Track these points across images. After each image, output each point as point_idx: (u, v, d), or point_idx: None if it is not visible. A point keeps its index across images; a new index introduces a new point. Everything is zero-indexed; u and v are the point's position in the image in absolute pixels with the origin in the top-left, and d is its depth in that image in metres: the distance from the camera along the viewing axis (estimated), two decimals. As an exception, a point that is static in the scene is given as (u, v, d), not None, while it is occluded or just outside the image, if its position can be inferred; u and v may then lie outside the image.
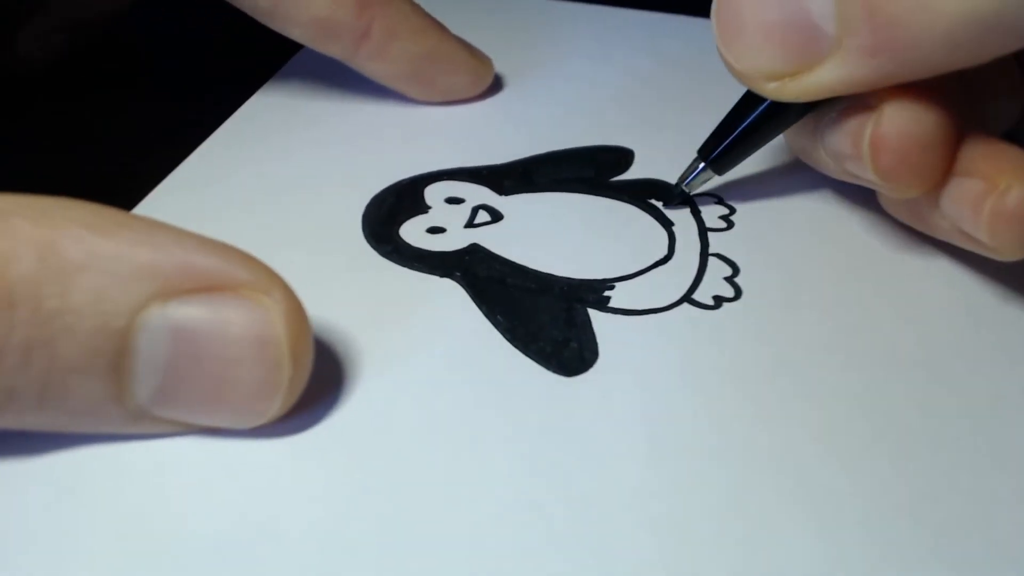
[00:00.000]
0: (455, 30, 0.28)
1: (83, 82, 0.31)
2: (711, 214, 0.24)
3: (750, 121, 0.22)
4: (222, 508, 0.17)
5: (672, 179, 0.25)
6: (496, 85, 0.29)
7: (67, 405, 0.16)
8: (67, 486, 0.17)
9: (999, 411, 0.19)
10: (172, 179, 0.25)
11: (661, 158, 0.26)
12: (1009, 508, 0.17)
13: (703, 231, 0.24)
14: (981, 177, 0.20)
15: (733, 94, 0.23)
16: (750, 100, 0.22)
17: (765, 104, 0.22)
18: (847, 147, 0.21)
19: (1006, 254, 0.20)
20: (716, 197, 0.25)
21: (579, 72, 0.30)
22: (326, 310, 0.21)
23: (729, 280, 0.22)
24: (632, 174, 0.26)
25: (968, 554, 0.16)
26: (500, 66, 0.29)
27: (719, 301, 0.21)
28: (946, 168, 0.20)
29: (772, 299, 0.21)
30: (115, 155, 0.27)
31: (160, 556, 0.16)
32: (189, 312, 0.16)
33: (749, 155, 0.23)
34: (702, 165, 0.23)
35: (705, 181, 0.24)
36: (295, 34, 0.27)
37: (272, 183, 0.25)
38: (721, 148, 0.23)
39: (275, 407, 0.17)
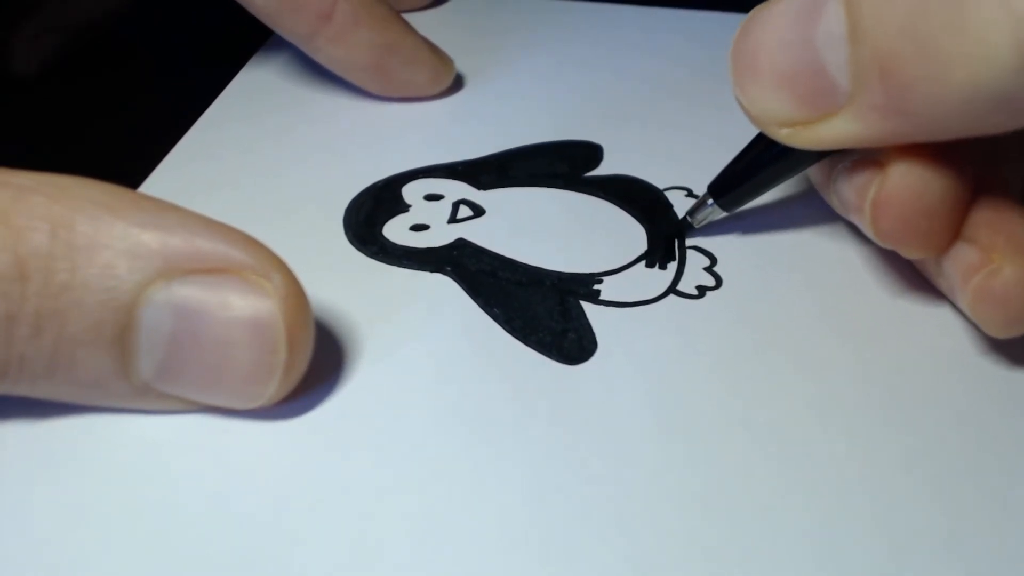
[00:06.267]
0: (418, 27, 0.28)
1: (80, 82, 0.30)
2: (683, 208, 0.25)
3: (762, 162, 0.22)
4: (222, 485, 0.17)
5: (641, 174, 0.26)
6: (458, 83, 0.30)
7: (75, 376, 0.17)
8: (71, 461, 0.17)
9: (981, 373, 0.20)
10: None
11: (629, 151, 0.27)
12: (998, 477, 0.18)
13: (678, 225, 0.24)
14: (979, 248, 0.19)
15: (700, 83, 0.23)
16: (763, 141, 0.22)
17: (778, 148, 0.21)
18: (853, 200, 0.20)
19: (989, 331, 0.20)
20: (686, 190, 0.25)
21: (542, 67, 0.31)
22: (323, 312, 0.21)
23: (709, 270, 0.23)
24: (603, 169, 0.26)
25: (964, 507, 0.17)
26: (461, 64, 0.30)
27: (703, 290, 0.22)
28: (952, 234, 0.20)
29: (752, 285, 0.22)
30: (112, 157, 0.26)
31: (161, 531, 0.16)
32: (190, 291, 0.17)
33: (759, 195, 0.23)
34: (711, 202, 0.23)
35: (712, 216, 0.24)
36: (257, 5, 0.26)
37: (244, 195, 0.25)
38: (732, 188, 0.23)
39: (271, 389, 0.18)
